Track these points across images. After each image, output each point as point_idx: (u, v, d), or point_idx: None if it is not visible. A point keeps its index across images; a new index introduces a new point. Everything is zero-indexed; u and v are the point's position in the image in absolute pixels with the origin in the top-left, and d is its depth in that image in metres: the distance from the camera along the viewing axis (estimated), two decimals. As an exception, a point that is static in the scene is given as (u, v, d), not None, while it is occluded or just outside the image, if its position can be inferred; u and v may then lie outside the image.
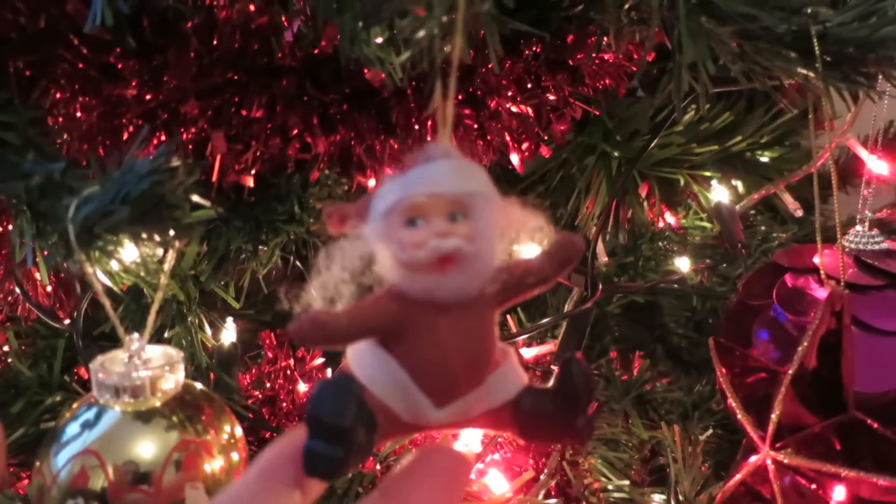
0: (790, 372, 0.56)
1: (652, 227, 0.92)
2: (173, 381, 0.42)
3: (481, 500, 0.63)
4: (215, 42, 0.52)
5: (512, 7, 0.39)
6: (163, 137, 0.53)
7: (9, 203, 0.42)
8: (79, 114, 0.52)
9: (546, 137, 0.69)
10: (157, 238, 0.37)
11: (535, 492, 0.67)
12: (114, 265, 0.40)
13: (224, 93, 0.53)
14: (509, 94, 0.61)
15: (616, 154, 0.81)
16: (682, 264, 0.93)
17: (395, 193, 0.28)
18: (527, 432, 0.31)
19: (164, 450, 0.40)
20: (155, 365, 0.41)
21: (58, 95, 0.51)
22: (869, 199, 0.66)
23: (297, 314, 0.28)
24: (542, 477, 0.68)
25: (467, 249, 0.28)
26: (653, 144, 0.77)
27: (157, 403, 0.41)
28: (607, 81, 0.64)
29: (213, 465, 0.41)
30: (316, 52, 0.54)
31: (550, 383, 0.31)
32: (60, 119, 0.52)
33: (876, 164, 0.72)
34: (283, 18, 0.52)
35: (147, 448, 0.39)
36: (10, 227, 0.43)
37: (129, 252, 0.39)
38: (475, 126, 0.61)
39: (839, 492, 0.55)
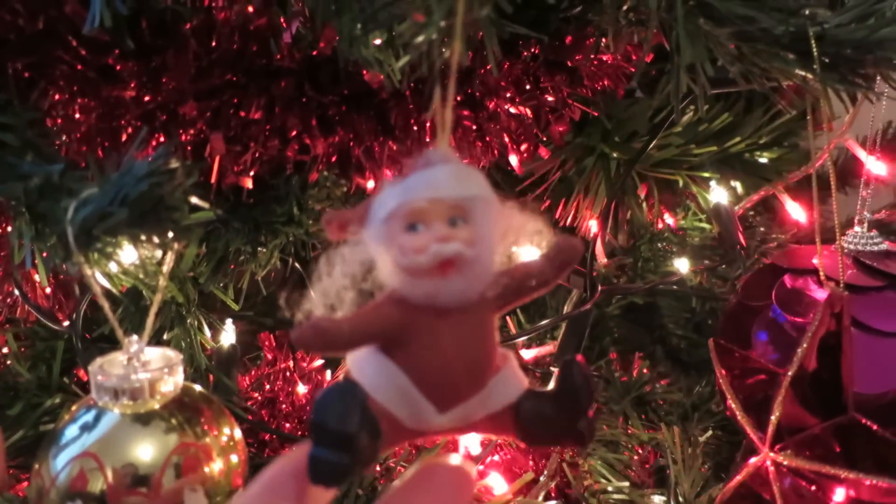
0: (790, 374, 0.56)
1: (651, 229, 0.92)
2: (172, 383, 0.42)
3: (481, 503, 0.63)
4: (214, 43, 0.52)
5: (511, 10, 0.39)
6: (161, 139, 0.53)
7: (8, 205, 0.42)
8: (77, 115, 0.52)
9: (545, 139, 0.69)
10: (155, 240, 0.37)
11: (535, 493, 0.67)
12: (112, 267, 0.40)
13: (223, 94, 0.53)
14: (508, 95, 0.61)
15: (615, 155, 0.81)
16: (682, 265, 0.93)
17: (396, 199, 0.29)
18: (528, 436, 0.31)
19: (163, 452, 0.40)
20: (154, 367, 0.41)
21: (56, 97, 0.51)
22: (868, 200, 0.66)
23: (298, 321, 0.28)
24: (541, 478, 0.68)
25: (468, 253, 0.28)
26: (651, 145, 0.77)
27: (157, 406, 0.41)
28: (606, 82, 0.64)
29: (213, 467, 0.41)
30: (315, 53, 0.54)
31: (551, 386, 0.31)
32: (59, 120, 0.52)
33: (874, 165, 0.72)
34: (282, 20, 0.52)
35: (146, 450, 0.39)
36: (9, 228, 0.43)
37: (127, 254, 0.39)
38: (474, 127, 0.61)
39: (839, 493, 0.55)
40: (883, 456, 0.54)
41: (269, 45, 0.53)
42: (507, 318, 0.86)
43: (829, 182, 0.60)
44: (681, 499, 0.68)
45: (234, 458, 0.43)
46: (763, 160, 0.90)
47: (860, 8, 0.42)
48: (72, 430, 0.41)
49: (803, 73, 0.43)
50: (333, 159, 0.58)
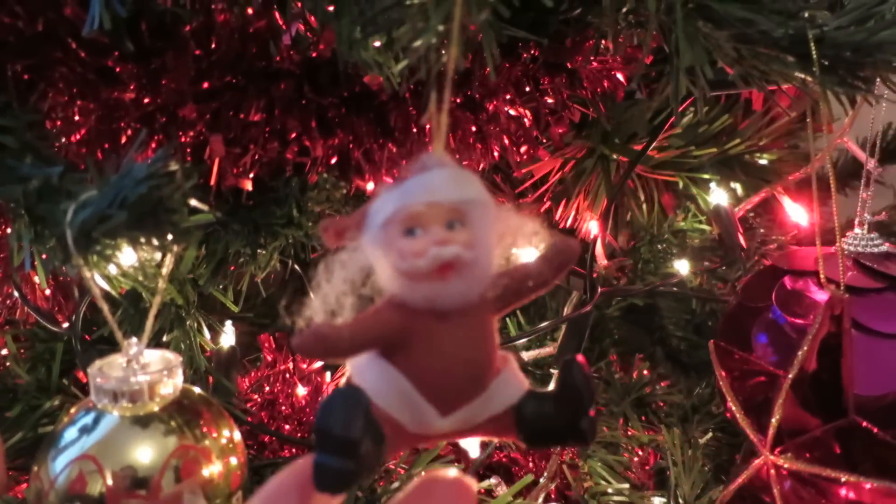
0: (790, 376, 0.56)
1: (651, 230, 0.92)
2: (172, 385, 0.42)
3: (481, 505, 0.63)
4: (213, 45, 0.52)
5: (509, 14, 0.39)
6: (161, 141, 0.53)
7: (7, 207, 0.42)
8: (77, 117, 0.52)
9: (544, 140, 0.69)
10: (155, 242, 0.37)
11: (535, 495, 0.67)
12: (112, 269, 0.40)
13: (222, 96, 0.53)
14: (507, 97, 0.61)
15: (614, 157, 0.81)
16: (682, 267, 0.93)
17: (393, 204, 0.29)
18: (530, 437, 0.31)
19: (163, 455, 0.39)
20: (153, 369, 0.41)
21: (56, 99, 0.51)
22: (868, 201, 0.66)
23: (299, 328, 0.28)
24: (541, 480, 0.68)
25: (467, 256, 0.28)
26: (651, 147, 0.77)
27: (156, 408, 0.41)
28: (605, 84, 0.64)
29: (212, 469, 0.41)
30: (314, 55, 0.54)
31: (551, 387, 0.31)
32: (58, 122, 0.52)
33: (874, 166, 0.71)
34: (282, 22, 0.52)
35: (145, 453, 0.39)
36: (9, 230, 0.43)
37: (127, 256, 0.39)
38: (473, 129, 0.61)
39: (839, 496, 0.55)
40: (883, 459, 0.54)
41: (269, 47, 0.53)
42: (507, 319, 0.86)
43: (829, 183, 0.59)
44: (681, 501, 0.68)
45: (233, 461, 0.43)
46: (763, 162, 0.90)
47: (859, 10, 0.42)
48: (71, 433, 0.41)
49: (803, 76, 0.43)
50: (333, 161, 0.58)
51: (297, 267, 0.67)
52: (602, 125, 0.79)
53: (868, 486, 0.53)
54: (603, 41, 0.57)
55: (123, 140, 0.53)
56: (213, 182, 0.56)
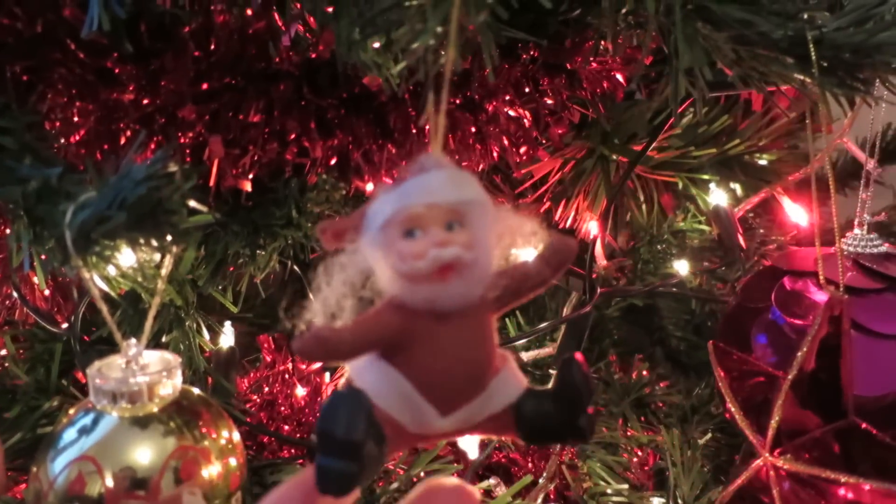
0: (789, 377, 0.56)
1: (650, 230, 0.92)
2: (171, 386, 0.42)
3: (480, 505, 0.63)
4: (213, 47, 0.52)
5: (507, 15, 0.39)
6: (160, 142, 0.53)
7: (6, 208, 0.42)
8: (76, 118, 0.52)
9: (544, 141, 0.69)
10: (154, 243, 0.37)
11: (535, 496, 0.67)
12: (111, 270, 0.40)
13: (221, 97, 0.53)
14: (507, 98, 0.61)
15: (614, 157, 0.81)
16: (681, 267, 0.93)
17: (392, 205, 0.29)
18: (529, 435, 0.31)
19: (162, 455, 0.39)
20: (152, 370, 0.41)
21: (55, 100, 0.51)
22: (867, 202, 0.66)
23: (300, 331, 0.28)
24: (540, 481, 0.68)
25: (466, 257, 0.28)
26: (651, 147, 0.77)
27: (155, 409, 0.41)
28: (605, 85, 0.64)
29: (211, 470, 0.41)
30: (313, 56, 0.54)
31: (550, 385, 0.31)
32: (57, 123, 0.52)
33: (873, 167, 0.71)
34: (281, 23, 0.52)
35: (144, 454, 0.39)
36: (8, 231, 0.43)
37: (126, 257, 0.39)
38: (473, 130, 0.61)
39: (839, 497, 0.55)
40: (883, 460, 0.54)
41: (268, 48, 0.53)
42: (507, 320, 0.86)
43: (829, 184, 0.59)
44: (680, 501, 0.68)
45: (232, 461, 0.43)
46: (762, 162, 0.90)
47: (859, 12, 0.42)
48: (70, 434, 0.41)
49: (802, 77, 0.43)
50: (332, 162, 0.58)
51: (296, 268, 0.67)
52: (602, 126, 0.79)
53: (867, 487, 0.53)
54: (602, 42, 0.57)
55: (122, 141, 0.53)
56: (212, 183, 0.56)
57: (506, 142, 0.63)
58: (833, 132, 0.78)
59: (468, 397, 0.30)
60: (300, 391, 0.73)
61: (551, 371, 0.80)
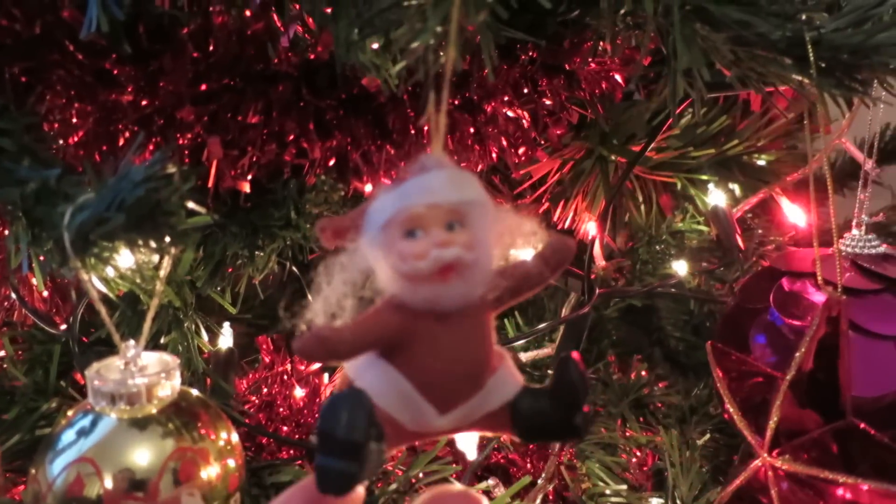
0: (788, 377, 0.56)
1: (649, 231, 0.92)
2: (169, 387, 0.42)
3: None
4: (211, 48, 0.52)
5: (507, 15, 0.39)
6: (159, 143, 0.53)
7: (4, 209, 0.42)
8: (75, 119, 0.52)
9: (543, 142, 0.69)
10: (152, 244, 0.37)
11: (533, 496, 0.67)
12: (109, 272, 0.40)
13: (220, 98, 0.53)
14: (506, 98, 0.61)
15: (613, 158, 0.81)
16: (680, 268, 0.93)
17: (393, 205, 0.29)
18: (525, 432, 0.31)
19: (160, 457, 0.39)
20: (151, 372, 0.41)
21: (54, 101, 0.51)
22: (866, 202, 0.66)
23: (300, 331, 0.28)
24: (539, 481, 0.68)
25: (467, 257, 0.28)
26: (650, 148, 0.77)
27: (154, 410, 0.41)
28: (604, 86, 0.64)
29: (210, 472, 0.41)
30: (312, 57, 0.54)
31: (547, 383, 0.31)
32: (56, 125, 0.52)
33: (871, 167, 0.71)
34: (280, 24, 0.52)
35: (143, 455, 0.39)
36: (6, 233, 0.43)
37: (124, 258, 0.39)
38: (471, 131, 0.61)
39: (837, 497, 0.55)
40: (881, 460, 0.54)
41: (267, 49, 0.53)
42: (506, 320, 0.86)
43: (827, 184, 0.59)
44: (678, 502, 0.68)
45: (231, 463, 0.43)
46: (761, 162, 0.90)
47: (857, 13, 0.42)
48: (68, 435, 0.41)
49: (800, 78, 0.43)
50: (331, 163, 0.58)
51: (295, 269, 0.67)
52: (600, 126, 0.79)
53: (865, 487, 0.53)
54: (601, 43, 0.57)
55: (121, 142, 0.53)
56: (210, 184, 0.56)
57: (504, 142, 0.63)
58: (831, 133, 0.78)
59: (466, 396, 0.30)
60: (299, 392, 0.73)
61: (550, 371, 0.80)
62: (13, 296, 0.66)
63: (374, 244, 0.29)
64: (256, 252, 0.62)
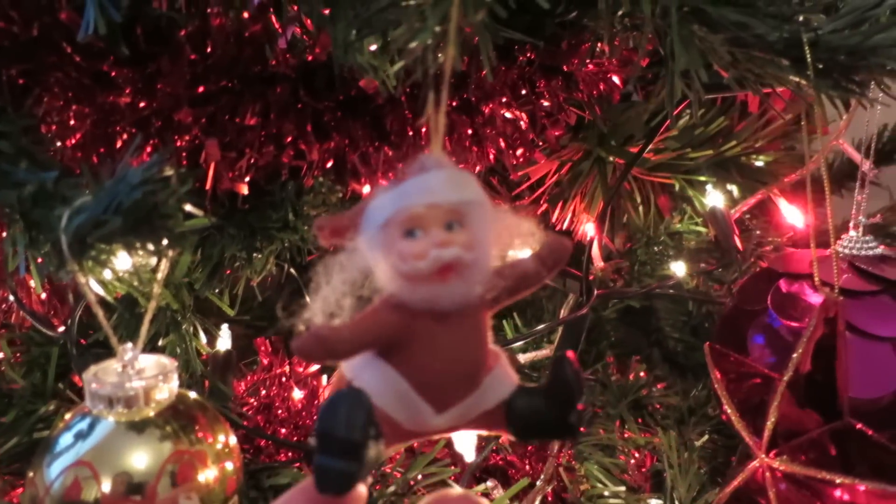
0: (785, 378, 0.56)
1: (647, 232, 0.92)
2: (167, 390, 0.41)
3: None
4: (209, 49, 0.52)
5: (505, 15, 0.39)
6: (156, 145, 0.53)
7: (2, 212, 0.42)
8: (72, 122, 0.52)
9: (541, 143, 0.69)
10: (150, 247, 0.37)
11: (532, 498, 0.67)
12: (107, 274, 0.40)
13: (218, 100, 0.53)
14: (504, 100, 0.61)
15: (611, 159, 0.81)
16: (678, 269, 0.93)
17: (393, 205, 0.29)
18: (521, 431, 0.32)
19: (158, 460, 0.39)
20: (148, 375, 0.41)
21: (51, 103, 0.51)
22: (863, 203, 0.66)
23: (299, 331, 0.28)
24: (538, 483, 0.68)
25: (467, 257, 0.29)
26: (648, 149, 0.77)
27: (151, 413, 0.41)
28: (601, 87, 0.64)
29: (208, 475, 0.41)
30: (310, 59, 0.54)
31: (542, 382, 0.31)
32: (54, 127, 0.52)
33: (869, 168, 0.72)
34: (278, 25, 0.52)
35: (141, 459, 0.39)
36: (4, 235, 0.43)
37: (122, 261, 0.39)
38: (470, 132, 0.61)
39: (834, 498, 0.55)
40: (878, 460, 0.54)
41: (265, 50, 0.53)
42: (504, 321, 0.86)
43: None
44: (677, 503, 0.68)
45: (229, 466, 0.42)
46: (759, 163, 0.90)
47: (854, 14, 0.42)
48: (66, 438, 0.40)
49: (797, 79, 0.43)
50: (329, 165, 0.58)
51: (293, 270, 0.67)
52: (598, 128, 0.79)
53: (863, 487, 0.53)
54: (599, 44, 0.57)
55: (119, 144, 0.53)
56: (208, 186, 0.56)
57: (502, 144, 0.63)
58: (829, 134, 0.78)
59: (463, 395, 0.30)
60: (297, 394, 0.73)
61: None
62: (11, 298, 0.65)
63: (373, 243, 0.29)
64: (254, 254, 0.62)
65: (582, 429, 0.31)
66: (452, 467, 0.60)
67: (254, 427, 0.67)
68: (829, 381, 0.56)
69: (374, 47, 0.42)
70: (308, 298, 0.30)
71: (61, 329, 0.65)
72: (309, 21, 0.50)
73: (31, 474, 0.41)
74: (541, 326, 0.80)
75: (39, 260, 0.41)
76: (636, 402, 0.79)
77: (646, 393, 0.80)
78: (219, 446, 0.42)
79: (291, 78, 0.54)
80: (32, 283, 0.56)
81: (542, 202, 0.84)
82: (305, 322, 0.29)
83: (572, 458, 0.72)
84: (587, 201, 0.83)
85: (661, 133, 0.78)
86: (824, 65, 0.42)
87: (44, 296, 0.70)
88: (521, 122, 0.63)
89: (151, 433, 0.40)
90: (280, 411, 0.71)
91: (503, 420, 0.31)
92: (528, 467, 0.73)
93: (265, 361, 0.76)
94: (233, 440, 0.44)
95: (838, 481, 0.53)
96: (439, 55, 0.33)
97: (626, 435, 0.76)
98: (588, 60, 0.61)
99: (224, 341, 0.70)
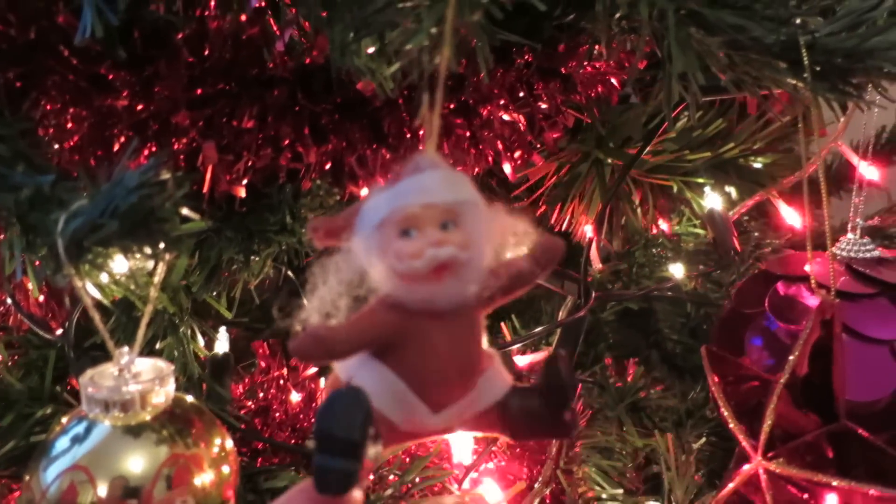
0: (781, 381, 0.56)
1: (646, 234, 0.92)
2: (163, 394, 0.41)
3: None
4: (206, 52, 0.52)
5: (502, 17, 0.39)
6: (154, 148, 0.53)
7: (-1, 215, 0.42)
8: (70, 125, 0.52)
9: (538, 145, 0.69)
10: (147, 251, 0.37)
11: (530, 500, 0.67)
12: (104, 278, 0.40)
13: (215, 103, 0.53)
14: (501, 102, 0.61)
15: (609, 161, 0.81)
16: (676, 271, 0.93)
17: (388, 205, 0.29)
18: (516, 430, 0.32)
19: (154, 464, 0.39)
20: (145, 378, 0.41)
21: (48, 107, 0.51)
22: (860, 206, 0.66)
23: (295, 332, 0.28)
24: (536, 486, 0.68)
25: (462, 257, 0.29)
26: (646, 151, 0.77)
27: (147, 417, 0.41)
28: (599, 89, 0.64)
29: (204, 478, 0.41)
30: (307, 62, 0.54)
31: (536, 382, 0.31)
32: (51, 130, 0.52)
33: (867, 170, 0.72)
34: (276, 28, 0.52)
35: (137, 463, 0.39)
36: (1, 239, 0.43)
37: (118, 265, 0.39)
38: (467, 134, 0.61)
39: (831, 501, 0.55)
40: (875, 463, 0.54)
41: (262, 53, 0.53)
42: (503, 323, 0.86)
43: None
44: (675, 505, 0.68)
45: (225, 469, 0.42)
46: (757, 165, 0.90)
47: (851, 17, 0.42)
48: (62, 442, 0.40)
49: (794, 82, 0.43)
50: (326, 167, 0.58)
51: (290, 273, 0.67)
52: (596, 130, 0.79)
53: (859, 490, 0.53)
54: (596, 46, 0.57)
55: (116, 147, 0.53)
56: (206, 189, 0.56)
57: (500, 146, 0.63)
58: (827, 136, 0.78)
59: (458, 395, 0.30)
60: (295, 397, 0.73)
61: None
62: (9, 301, 0.65)
63: (369, 244, 0.29)
64: (252, 257, 0.62)
65: (577, 426, 0.31)
66: (450, 470, 0.60)
67: (251, 430, 0.67)
68: (826, 383, 0.56)
69: (371, 50, 0.42)
70: (305, 300, 0.30)
71: (59, 332, 0.65)
72: (307, 23, 0.50)
73: (27, 478, 0.41)
74: (539, 328, 0.80)
75: (37, 263, 0.41)
76: (634, 405, 0.79)
77: (644, 395, 0.80)
78: (215, 450, 0.42)
79: (289, 81, 0.54)
80: (30, 287, 0.56)
81: (540, 204, 0.84)
82: (302, 322, 0.29)
83: (570, 461, 0.72)
84: (585, 203, 0.83)
85: (660, 135, 0.78)
86: (821, 67, 0.42)
87: (41, 299, 0.70)
88: (519, 125, 0.63)
89: (148, 437, 0.40)
90: (278, 414, 0.71)
91: (498, 420, 0.31)
92: (525, 470, 0.73)
93: (263, 364, 0.76)
94: (229, 444, 0.44)
95: (835, 484, 0.53)
96: (435, 57, 0.33)
97: (624, 437, 0.76)
98: (586, 63, 0.61)
99: (221, 344, 0.70)
